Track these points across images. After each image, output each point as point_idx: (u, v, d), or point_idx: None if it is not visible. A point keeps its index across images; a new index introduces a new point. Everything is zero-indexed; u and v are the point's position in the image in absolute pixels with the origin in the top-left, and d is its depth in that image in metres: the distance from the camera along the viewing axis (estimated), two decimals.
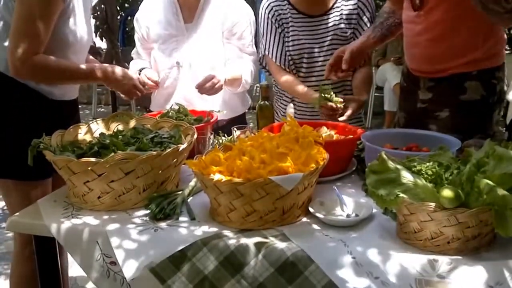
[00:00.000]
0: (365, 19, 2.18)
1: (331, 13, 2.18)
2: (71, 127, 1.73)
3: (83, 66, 1.94)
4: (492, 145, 1.22)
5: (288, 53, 2.24)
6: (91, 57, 2.20)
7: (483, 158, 1.20)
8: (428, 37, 1.89)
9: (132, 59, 2.54)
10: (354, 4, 2.17)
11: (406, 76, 2.12)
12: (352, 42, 2.07)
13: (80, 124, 1.77)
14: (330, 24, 2.18)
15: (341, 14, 2.17)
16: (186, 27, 2.34)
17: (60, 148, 1.57)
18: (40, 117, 1.89)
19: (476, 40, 1.86)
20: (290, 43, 2.23)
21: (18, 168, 1.80)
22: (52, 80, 1.89)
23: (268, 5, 2.28)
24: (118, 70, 2.03)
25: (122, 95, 2.15)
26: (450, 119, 1.93)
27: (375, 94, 6.02)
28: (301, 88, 2.20)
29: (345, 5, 2.17)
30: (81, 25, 1.94)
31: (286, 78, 2.26)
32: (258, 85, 6.41)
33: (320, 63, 2.21)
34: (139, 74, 2.26)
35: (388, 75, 5.67)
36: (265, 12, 2.29)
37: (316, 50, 2.19)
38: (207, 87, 2.15)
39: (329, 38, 2.18)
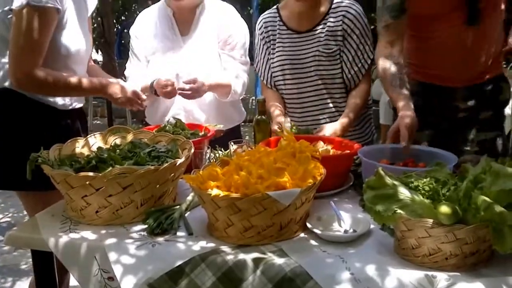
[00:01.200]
0: (354, 36, 2.15)
1: (317, 29, 2.19)
2: (69, 141, 1.73)
3: (82, 79, 1.96)
4: (489, 161, 1.23)
5: (272, 69, 2.28)
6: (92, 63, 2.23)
7: (480, 174, 1.21)
8: (474, 48, 1.99)
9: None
10: (339, 20, 2.16)
11: (424, 91, 2.10)
12: (402, 117, 1.79)
13: (78, 138, 1.77)
14: (314, 40, 2.19)
15: (327, 30, 2.17)
16: (183, 40, 2.37)
17: (58, 162, 1.58)
18: (47, 127, 1.92)
19: (500, 45, 2.08)
20: (275, 59, 2.26)
21: (35, 179, 1.69)
22: (52, 92, 1.92)
23: (261, 20, 2.33)
24: (117, 84, 2.05)
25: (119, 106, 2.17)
26: (494, 119, 2.09)
27: (372, 107, 6.03)
28: (272, 110, 2.21)
29: (332, 22, 2.18)
30: (77, 36, 1.97)
31: (266, 94, 2.31)
32: (253, 98, 6.46)
33: (304, 80, 2.21)
34: (153, 85, 2.29)
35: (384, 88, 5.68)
36: (257, 27, 2.34)
37: (298, 66, 2.20)
38: (189, 91, 2.19)
39: (311, 53, 2.18)
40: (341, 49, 2.16)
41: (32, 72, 1.80)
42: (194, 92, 2.21)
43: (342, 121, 2.08)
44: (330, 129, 2.02)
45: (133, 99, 2.09)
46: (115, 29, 7.29)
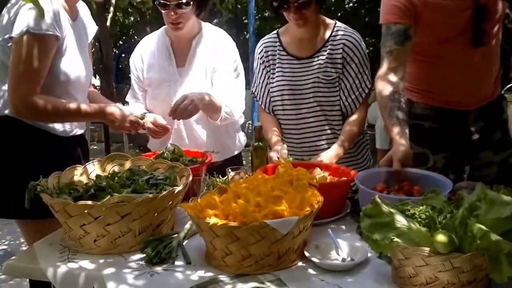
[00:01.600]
0: (353, 65, 2.18)
1: (317, 56, 2.22)
2: (68, 168, 1.74)
3: (81, 104, 1.97)
4: (484, 189, 1.24)
5: (271, 94, 2.29)
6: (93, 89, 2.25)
7: (475, 201, 1.22)
8: (481, 69, 2.05)
9: (125, 94, 2.56)
10: (339, 48, 2.19)
11: (437, 115, 2.12)
12: (395, 149, 1.79)
13: (77, 166, 1.78)
14: (314, 67, 2.21)
15: (327, 57, 2.20)
16: (179, 71, 2.36)
17: (56, 190, 1.58)
18: (47, 154, 1.93)
19: (499, 65, 2.16)
20: (274, 84, 2.28)
21: (34, 207, 1.64)
22: (51, 118, 1.94)
23: (261, 44, 2.36)
24: (115, 109, 2.05)
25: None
26: (502, 140, 2.14)
27: (368, 132, 6.07)
28: (270, 136, 2.23)
29: (332, 49, 2.20)
30: (77, 63, 1.99)
31: (264, 118, 2.34)
32: (250, 122, 6.49)
33: (302, 105, 2.23)
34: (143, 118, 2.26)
35: (380, 113, 5.72)
36: (257, 51, 2.37)
37: (297, 91, 2.22)
38: (180, 111, 2.15)
39: (311, 80, 2.20)
40: (340, 77, 2.19)
41: (30, 99, 1.82)
42: (184, 111, 2.16)
43: (338, 151, 2.08)
44: (325, 158, 2.02)
45: (130, 123, 2.08)
46: (113, 54, 7.36)
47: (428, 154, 2.13)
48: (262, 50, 2.33)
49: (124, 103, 2.53)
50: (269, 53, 2.31)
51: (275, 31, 2.36)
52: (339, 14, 7.63)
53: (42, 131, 1.94)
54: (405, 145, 1.77)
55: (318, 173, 1.83)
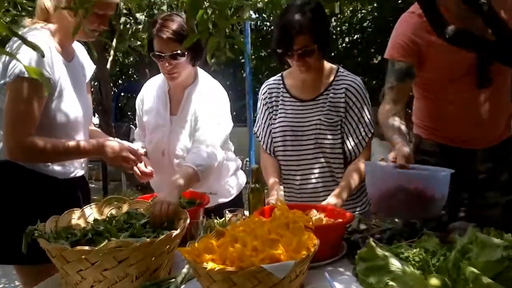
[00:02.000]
0: (355, 110, 2.21)
1: (320, 99, 2.26)
2: (65, 212, 1.75)
3: (76, 143, 1.97)
4: (475, 231, 1.26)
5: (272, 135, 2.33)
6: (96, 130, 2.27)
7: (467, 244, 1.24)
8: (488, 110, 2.06)
9: (124, 133, 2.59)
10: (342, 93, 2.23)
11: (444, 153, 2.15)
12: (400, 148, 1.83)
13: (74, 209, 1.80)
14: (317, 109, 2.25)
15: (329, 101, 2.23)
16: (171, 119, 2.39)
17: (54, 235, 1.59)
18: (46, 198, 1.94)
19: (510, 106, 2.15)
20: (276, 125, 2.31)
21: (31, 252, 1.61)
22: (47, 159, 1.95)
23: (266, 86, 2.41)
24: (112, 145, 2.04)
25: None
26: (509, 182, 2.13)
27: None
28: (268, 178, 2.25)
29: (334, 93, 2.24)
30: (73, 104, 2.00)
31: (265, 159, 2.36)
32: (247, 159, 6.52)
33: (303, 147, 2.25)
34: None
35: (374, 150, 5.78)
36: (261, 92, 2.42)
37: (299, 133, 2.25)
38: (160, 219, 1.81)
39: (313, 122, 2.23)
40: (343, 121, 2.22)
41: (24, 142, 1.83)
42: (163, 217, 1.82)
43: (336, 201, 2.07)
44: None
45: (127, 156, 2.06)
46: (112, 93, 7.45)
47: None
48: (266, 91, 2.39)
49: (123, 140, 2.55)
50: (273, 94, 2.36)
51: (279, 74, 2.41)
52: (333, 54, 7.80)
53: (41, 175, 1.96)
54: (408, 148, 1.81)
55: (314, 214, 1.85)
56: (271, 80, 2.42)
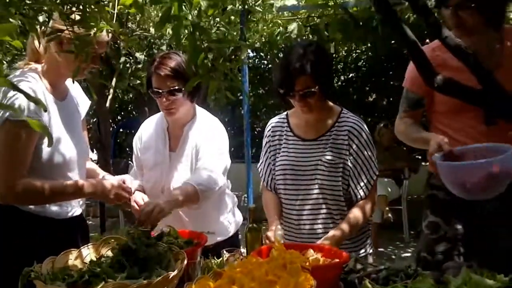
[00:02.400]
0: (359, 153, 2.21)
1: (322, 139, 2.27)
2: (62, 253, 1.75)
3: (70, 183, 1.97)
4: (469, 272, 1.28)
5: (274, 172, 2.35)
6: (92, 166, 2.27)
7: (461, 285, 1.25)
8: None
9: (122, 169, 2.60)
10: (345, 135, 2.23)
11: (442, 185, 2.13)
12: (434, 136, 1.99)
13: (71, 250, 1.79)
14: (318, 150, 2.26)
15: (331, 142, 2.24)
16: (170, 155, 2.42)
17: (50, 276, 1.58)
18: (43, 240, 1.93)
19: None
20: (278, 162, 2.33)
21: None
22: (40, 201, 1.94)
23: (270, 124, 2.44)
24: (106, 184, 2.06)
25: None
26: None
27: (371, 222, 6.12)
28: (270, 217, 2.26)
29: (337, 134, 2.25)
30: (65, 145, 2.01)
31: (266, 196, 2.38)
32: (245, 195, 6.51)
33: (303, 187, 2.26)
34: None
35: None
36: (266, 130, 2.45)
37: (300, 173, 2.26)
38: (144, 216, 1.98)
39: (314, 162, 2.24)
40: (346, 163, 2.22)
41: (16, 186, 1.84)
42: (148, 217, 2.00)
43: (334, 233, 2.11)
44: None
45: (119, 194, 2.07)
46: (111, 129, 7.50)
47: (440, 224, 2.21)
48: (270, 130, 2.42)
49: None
50: (277, 133, 2.39)
51: (284, 113, 2.45)
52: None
53: (38, 216, 1.95)
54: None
55: (311, 254, 1.86)
56: (276, 118, 2.45)
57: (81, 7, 1.44)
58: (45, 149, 1.93)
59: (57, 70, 1.99)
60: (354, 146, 2.22)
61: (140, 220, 1.97)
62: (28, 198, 1.91)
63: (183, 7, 0.96)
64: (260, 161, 2.47)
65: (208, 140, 2.39)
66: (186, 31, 0.98)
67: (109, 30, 1.46)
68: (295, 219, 2.29)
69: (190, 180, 2.24)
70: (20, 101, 1.83)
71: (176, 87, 2.28)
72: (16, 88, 0.94)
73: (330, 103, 2.33)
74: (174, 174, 2.38)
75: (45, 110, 1.88)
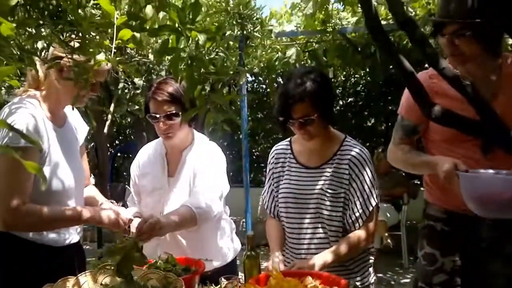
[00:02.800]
0: (358, 182, 2.16)
1: (325, 168, 2.22)
2: (59, 280, 1.73)
3: (70, 211, 1.96)
4: None
5: (277, 199, 2.32)
6: (91, 193, 2.26)
7: None
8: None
9: (119, 193, 2.60)
10: (346, 164, 2.19)
11: (450, 219, 2.14)
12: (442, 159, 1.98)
13: (69, 277, 1.78)
14: (320, 178, 2.22)
15: (333, 171, 2.20)
16: (169, 181, 2.42)
17: None
18: (40, 267, 1.91)
19: None
20: (281, 190, 2.30)
21: None
22: (41, 228, 1.93)
23: (274, 150, 2.42)
24: (105, 214, 2.04)
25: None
26: None
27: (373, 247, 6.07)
28: (272, 244, 2.23)
29: (339, 163, 2.21)
30: (64, 171, 2.00)
31: (269, 223, 2.35)
32: (243, 220, 6.48)
33: (304, 215, 2.22)
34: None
35: None
36: (270, 157, 2.42)
37: (301, 201, 2.23)
38: (151, 230, 2.03)
39: (316, 191, 2.20)
40: (346, 193, 2.18)
41: (18, 212, 1.82)
42: (148, 234, 2.04)
43: (326, 257, 2.08)
44: (317, 261, 2.04)
45: (118, 224, 2.06)
46: (108, 154, 7.51)
47: (437, 256, 2.17)
48: (274, 156, 2.39)
49: (118, 201, 2.55)
50: (280, 160, 2.36)
51: (288, 138, 2.41)
52: None
53: (35, 243, 1.93)
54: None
55: (310, 282, 1.83)
56: (280, 144, 2.42)
57: (80, 34, 1.46)
58: (47, 177, 1.92)
59: (57, 96, 2.00)
60: (353, 176, 2.18)
61: (141, 230, 1.99)
62: (30, 224, 1.89)
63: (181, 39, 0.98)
64: (264, 188, 2.43)
65: (206, 164, 2.38)
66: (184, 63, 0.99)
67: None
68: (295, 248, 2.26)
69: (187, 202, 2.24)
70: (21, 127, 1.82)
71: (173, 112, 2.29)
72: (12, 129, 0.93)
73: (333, 130, 2.30)
74: (173, 199, 2.37)
75: (41, 151, 1.88)
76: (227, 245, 2.53)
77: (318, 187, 2.20)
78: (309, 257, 2.17)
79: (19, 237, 1.91)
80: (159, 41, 1.26)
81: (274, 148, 2.44)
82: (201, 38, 0.95)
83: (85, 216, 2.00)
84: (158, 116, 2.30)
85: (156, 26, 1.01)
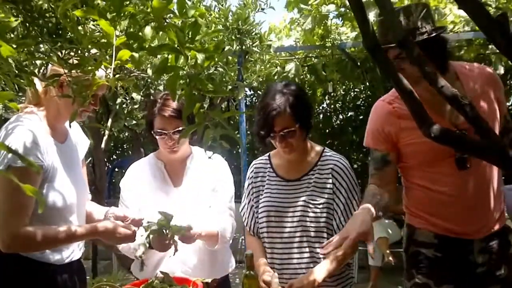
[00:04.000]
0: (342, 191, 2.18)
1: (305, 179, 2.24)
2: None
3: (70, 229, 1.93)
4: None
5: (257, 215, 2.31)
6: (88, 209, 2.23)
7: None
8: (478, 195, 1.99)
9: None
10: (329, 173, 2.21)
11: (441, 244, 2.07)
12: (350, 226, 1.88)
13: None
14: (301, 190, 2.23)
15: (314, 181, 2.21)
16: (175, 191, 2.44)
17: None
18: (41, 285, 1.90)
19: (501, 194, 2.06)
20: (261, 204, 2.29)
21: None
22: (42, 248, 1.90)
23: (253, 165, 2.41)
24: (105, 226, 2.01)
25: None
26: (508, 278, 1.99)
27: (359, 247, 6.00)
28: (258, 263, 2.19)
29: (320, 173, 2.22)
30: (66, 187, 1.98)
31: (250, 242, 2.35)
32: (243, 237, 6.43)
33: (287, 229, 2.21)
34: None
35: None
36: (249, 172, 2.42)
37: (283, 213, 2.22)
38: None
39: (298, 203, 2.20)
40: (330, 202, 2.18)
41: (18, 233, 1.80)
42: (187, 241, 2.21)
43: (329, 266, 2.07)
44: (317, 274, 2.02)
45: (121, 235, 2.01)
46: (105, 169, 7.48)
47: (431, 285, 2.07)
48: (253, 171, 2.39)
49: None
50: (259, 174, 2.36)
51: (267, 154, 2.43)
52: (327, 131, 7.95)
53: (37, 262, 1.90)
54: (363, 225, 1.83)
55: None
56: (259, 159, 2.43)
57: (79, 52, 1.45)
58: (46, 194, 1.91)
59: (57, 112, 1.99)
60: (337, 184, 2.19)
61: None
62: (31, 245, 1.86)
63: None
64: (242, 204, 2.42)
65: (214, 173, 2.47)
66: (183, 81, 0.98)
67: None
68: (278, 262, 2.23)
69: (216, 224, 2.36)
70: (18, 146, 1.80)
71: (180, 128, 2.32)
72: (10, 151, 0.91)
73: (312, 143, 2.33)
74: (182, 209, 2.36)
75: (38, 173, 1.85)
76: (226, 260, 2.55)
77: (301, 198, 2.21)
78: (291, 271, 2.17)
79: (20, 255, 1.88)
80: (158, 56, 1.25)
81: (253, 163, 2.44)
82: (199, 57, 0.94)
83: (84, 233, 1.96)
84: (166, 132, 2.32)
85: (156, 45, 1.00)
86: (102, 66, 1.18)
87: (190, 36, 1.00)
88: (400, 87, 1.04)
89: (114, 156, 10.95)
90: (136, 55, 0.93)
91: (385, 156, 2.10)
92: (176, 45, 0.99)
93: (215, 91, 1.01)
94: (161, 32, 1.07)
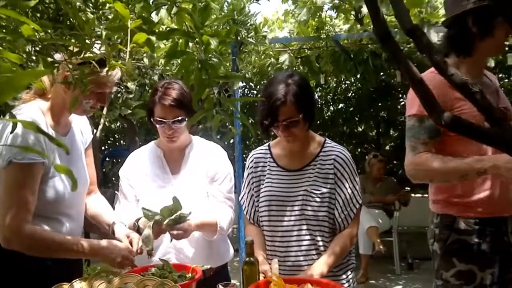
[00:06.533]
0: (344, 181, 2.20)
1: (307, 169, 2.25)
2: (54, 286, 1.71)
3: (72, 239, 1.92)
4: None
5: (257, 204, 2.32)
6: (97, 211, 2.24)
7: None
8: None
9: (108, 198, 2.55)
10: (331, 164, 2.22)
11: (481, 229, 2.08)
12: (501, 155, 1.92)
13: (63, 283, 1.75)
14: (303, 180, 2.24)
15: (316, 171, 2.23)
16: (173, 179, 2.45)
17: None
18: (38, 276, 1.88)
19: None
20: (262, 194, 2.30)
21: None
22: (40, 252, 1.87)
23: (252, 155, 2.41)
24: (108, 244, 2.01)
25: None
26: None
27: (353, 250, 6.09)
28: (258, 252, 2.19)
29: (322, 163, 2.24)
30: (66, 182, 1.96)
31: (250, 230, 2.36)
32: (235, 227, 6.46)
33: (288, 218, 2.22)
34: (137, 224, 2.28)
35: (362, 218, 5.81)
36: (248, 162, 2.42)
37: (285, 203, 2.23)
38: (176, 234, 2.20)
39: (300, 193, 2.22)
40: (332, 192, 2.20)
41: (20, 230, 1.78)
42: (182, 234, 2.22)
43: (327, 260, 2.09)
44: (317, 269, 2.04)
45: (124, 261, 2.02)
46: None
47: (475, 271, 2.10)
48: (252, 161, 2.39)
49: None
50: (260, 164, 2.36)
51: (267, 144, 2.43)
52: (318, 122, 7.98)
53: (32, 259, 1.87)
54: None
55: None
56: (258, 149, 2.43)
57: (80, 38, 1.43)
58: (47, 188, 1.89)
59: (63, 105, 1.96)
60: (338, 175, 2.21)
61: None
62: (33, 246, 1.83)
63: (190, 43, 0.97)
64: (242, 193, 2.43)
65: (214, 161, 2.48)
66: (194, 67, 0.98)
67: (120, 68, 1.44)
68: (279, 251, 2.24)
69: (215, 215, 2.37)
70: (23, 141, 1.78)
71: (180, 118, 2.33)
72: (40, 131, 0.89)
73: (313, 133, 2.34)
74: (180, 197, 2.31)
75: (68, 153, 1.87)
76: (223, 250, 2.54)
77: (302, 188, 2.22)
78: (293, 259, 2.19)
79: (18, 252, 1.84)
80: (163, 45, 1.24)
81: (252, 153, 2.44)
82: (213, 42, 0.94)
83: (88, 251, 1.94)
84: (166, 121, 2.32)
85: (165, 29, 1.00)
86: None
87: (200, 21, 1.00)
88: (410, 75, 1.05)
89: (105, 146, 10.91)
90: (152, 38, 0.93)
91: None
92: (188, 30, 0.98)
93: (226, 76, 1.01)
94: (169, 17, 1.07)
